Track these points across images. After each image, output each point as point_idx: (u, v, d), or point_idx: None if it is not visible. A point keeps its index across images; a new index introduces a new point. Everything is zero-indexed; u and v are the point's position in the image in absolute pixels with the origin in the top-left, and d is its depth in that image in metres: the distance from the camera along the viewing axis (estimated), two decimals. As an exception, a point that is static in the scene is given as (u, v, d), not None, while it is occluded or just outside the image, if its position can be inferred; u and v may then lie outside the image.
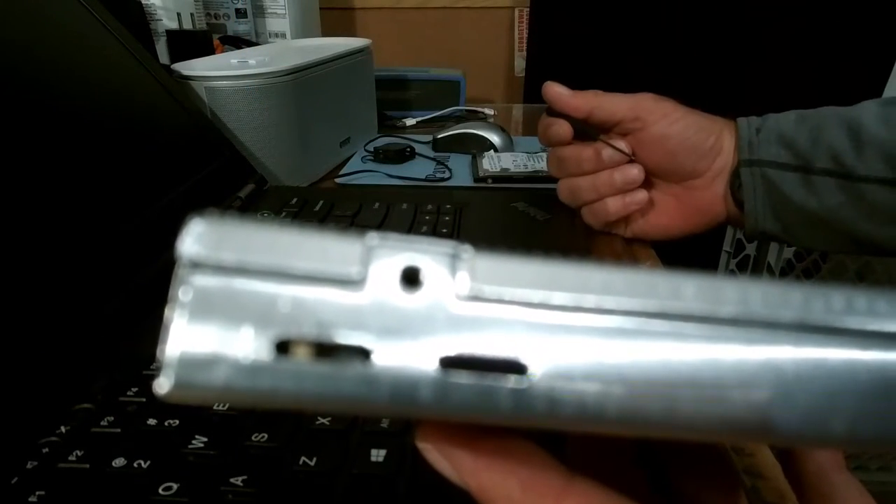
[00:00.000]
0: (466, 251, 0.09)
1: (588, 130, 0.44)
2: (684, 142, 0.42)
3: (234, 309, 0.08)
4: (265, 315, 0.08)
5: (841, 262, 1.01)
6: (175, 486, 0.22)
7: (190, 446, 0.24)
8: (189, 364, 0.08)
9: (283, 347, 0.09)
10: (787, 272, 1.04)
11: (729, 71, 1.04)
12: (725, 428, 0.09)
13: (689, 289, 0.09)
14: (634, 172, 0.43)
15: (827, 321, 0.09)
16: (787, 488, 0.26)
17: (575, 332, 0.09)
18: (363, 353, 0.09)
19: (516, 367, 0.09)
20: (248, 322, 0.08)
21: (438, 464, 0.12)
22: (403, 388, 0.09)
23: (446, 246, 0.09)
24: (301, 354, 0.09)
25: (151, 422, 0.25)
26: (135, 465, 0.23)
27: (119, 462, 0.23)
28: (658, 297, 0.09)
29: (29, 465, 0.23)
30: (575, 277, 0.09)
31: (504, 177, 0.59)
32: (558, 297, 0.09)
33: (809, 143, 0.39)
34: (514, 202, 0.50)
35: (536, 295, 0.09)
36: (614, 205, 0.44)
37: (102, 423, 0.25)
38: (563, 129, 0.44)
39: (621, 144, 0.43)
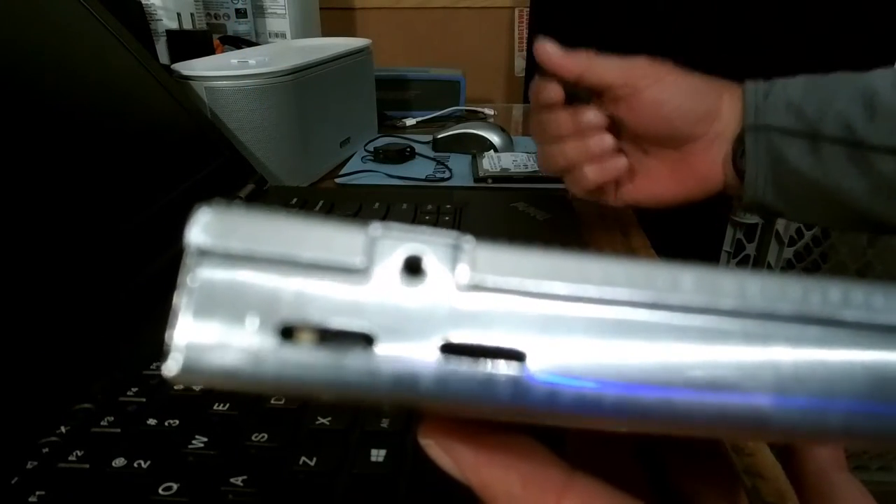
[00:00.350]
0: (468, 242, 0.09)
1: (580, 94, 0.41)
2: (679, 107, 0.40)
3: (240, 296, 0.09)
4: (270, 302, 0.09)
5: (841, 261, 1.02)
6: (175, 486, 0.22)
7: (190, 446, 0.24)
8: (196, 348, 0.09)
9: (287, 333, 0.09)
10: (787, 272, 1.04)
11: (730, 72, 1.04)
12: (722, 421, 0.09)
13: (687, 280, 0.09)
14: (606, 140, 0.41)
15: (825, 314, 0.09)
16: (787, 488, 0.26)
17: (574, 322, 0.09)
18: (366, 340, 0.09)
19: (516, 356, 0.09)
20: (254, 308, 0.09)
21: (440, 460, 0.12)
22: (404, 374, 0.09)
23: (449, 236, 0.09)
24: (305, 340, 0.09)
25: (151, 422, 0.25)
26: (135, 465, 0.23)
27: (119, 462, 0.23)
28: (657, 289, 0.09)
29: (29, 465, 0.23)
30: (575, 268, 0.09)
31: (504, 177, 0.59)
32: (558, 288, 0.09)
33: (819, 110, 0.36)
34: (514, 202, 0.50)
35: (537, 285, 0.09)
36: (591, 173, 0.42)
37: (102, 423, 0.25)
38: (552, 91, 0.41)
39: (592, 113, 0.41)
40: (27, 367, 0.27)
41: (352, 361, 0.09)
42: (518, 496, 0.11)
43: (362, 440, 0.24)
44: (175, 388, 0.27)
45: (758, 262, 1.08)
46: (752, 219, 1.04)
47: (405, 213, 0.47)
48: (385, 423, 0.25)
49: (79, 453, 0.23)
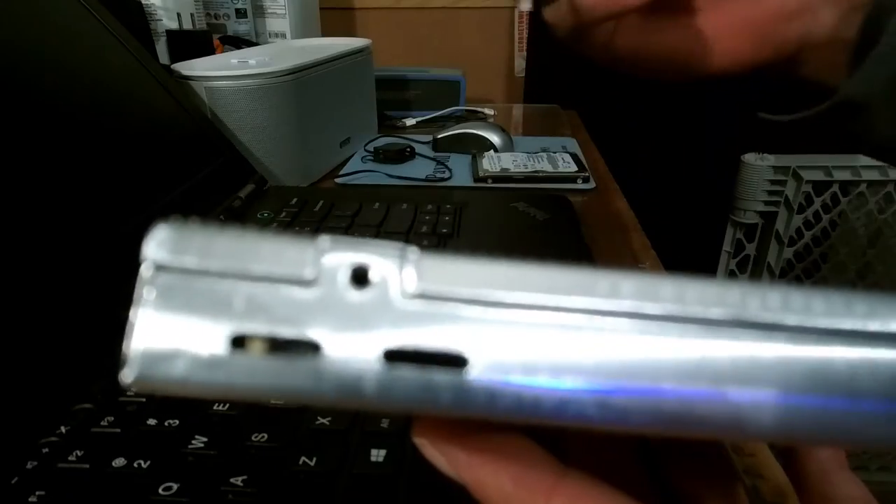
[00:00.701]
0: (413, 252, 0.10)
1: None
2: None
3: (193, 308, 0.09)
4: (222, 313, 0.09)
5: (841, 261, 1.02)
6: (175, 486, 0.22)
7: (190, 446, 0.24)
8: (151, 358, 0.09)
9: (238, 343, 0.09)
10: (787, 272, 1.04)
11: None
12: (657, 422, 0.09)
13: (627, 287, 0.09)
14: None
15: (764, 318, 0.09)
16: (787, 488, 0.26)
17: (514, 328, 0.09)
18: (313, 348, 0.09)
19: (457, 361, 0.09)
20: (206, 320, 0.09)
21: (434, 459, 0.12)
22: (349, 381, 0.09)
23: (394, 247, 0.10)
24: (255, 350, 0.09)
25: (151, 422, 0.25)
26: (135, 465, 0.23)
27: (119, 462, 0.23)
28: (596, 295, 0.09)
29: (29, 465, 0.23)
30: (517, 277, 0.10)
31: (504, 177, 0.59)
32: (500, 296, 0.09)
33: None
34: (514, 202, 0.50)
35: (479, 293, 0.10)
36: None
37: (102, 423, 0.25)
38: None
39: None
40: (27, 367, 0.27)
41: (299, 369, 0.09)
42: (509, 494, 0.11)
43: (362, 440, 0.24)
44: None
45: (758, 262, 1.08)
46: (752, 219, 1.04)
47: (405, 213, 0.47)
48: (385, 424, 0.25)
49: (79, 453, 0.23)
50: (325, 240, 0.10)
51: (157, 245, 0.09)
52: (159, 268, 0.09)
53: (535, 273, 0.10)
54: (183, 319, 0.09)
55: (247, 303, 0.09)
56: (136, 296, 0.09)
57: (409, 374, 0.09)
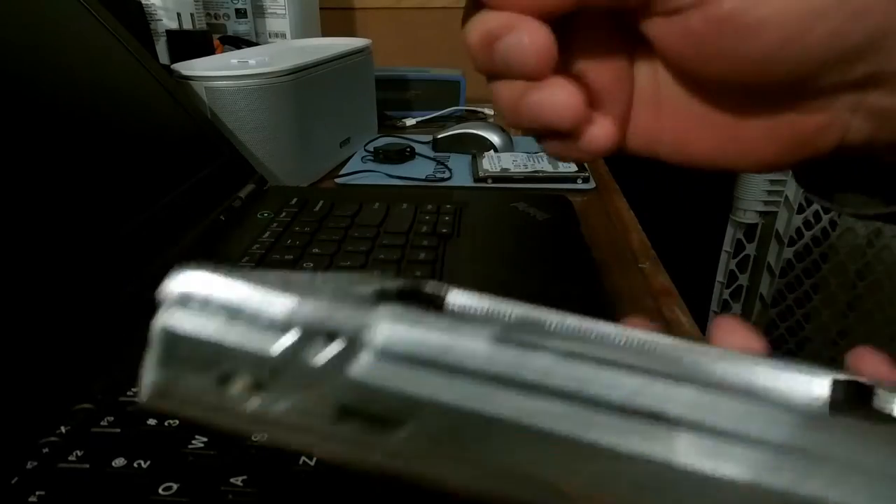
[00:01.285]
0: (374, 324, 0.11)
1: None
2: (803, 36, 0.17)
3: (194, 348, 0.11)
4: (214, 356, 0.11)
5: (841, 262, 1.02)
6: (175, 486, 0.22)
7: (190, 446, 0.24)
8: (157, 386, 0.11)
9: (224, 380, 0.11)
10: (787, 272, 1.04)
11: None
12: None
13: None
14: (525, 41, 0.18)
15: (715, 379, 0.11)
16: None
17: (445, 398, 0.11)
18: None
19: (394, 423, 0.11)
20: (201, 359, 0.11)
21: None
22: (301, 429, 0.11)
23: (360, 317, 0.11)
24: (238, 388, 0.11)
25: (151, 422, 0.25)
26: (135, 465, 0.23)
27: (119, 462, 0.23)
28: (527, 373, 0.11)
29: (29, 465, 0.23)
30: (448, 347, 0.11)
31: (504, 177, 0.59)
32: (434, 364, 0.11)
33: None
34: (514, 202, 0.50)
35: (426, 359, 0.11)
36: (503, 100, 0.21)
37: (102, 423, 0.25)
38: None
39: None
40: (27, 367, 0.27)
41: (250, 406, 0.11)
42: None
43: (362, 440, 0.24)
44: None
45: (758, 262, 1.08)
46: (752, 219, 1.05)
47: (405, 213, 0.47)
48: (385, 423, 0.25)
49: (79, 453, 0.23)
50: (303, 303, 0.11)
51: (171, 288, 0.12)
52: (172, 307, 0.11)
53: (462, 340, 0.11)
54: (185, 357, 0.11)
55: (232, 349, 0.11)
56: (151, 329, 0.11)
57: (349, 431, 0.11)
